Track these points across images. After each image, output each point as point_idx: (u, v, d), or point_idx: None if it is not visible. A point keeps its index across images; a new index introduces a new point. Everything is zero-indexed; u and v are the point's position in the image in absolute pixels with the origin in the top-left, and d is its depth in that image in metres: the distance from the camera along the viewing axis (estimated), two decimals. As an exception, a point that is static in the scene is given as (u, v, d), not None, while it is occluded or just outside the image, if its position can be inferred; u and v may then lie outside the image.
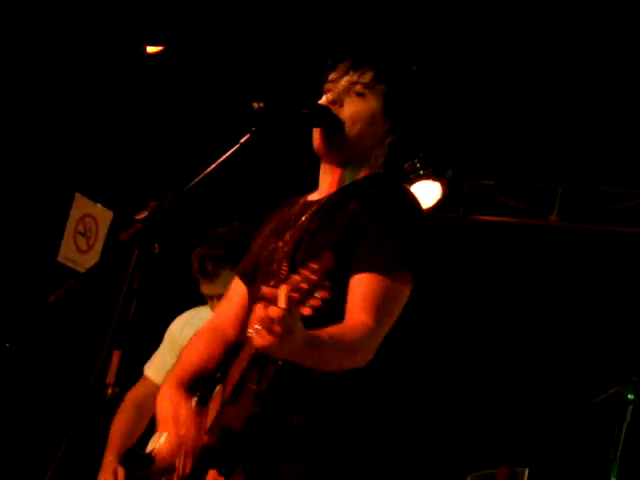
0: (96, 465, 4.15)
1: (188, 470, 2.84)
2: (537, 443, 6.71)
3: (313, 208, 2.92)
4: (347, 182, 2.94)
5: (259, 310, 2.34)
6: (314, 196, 3.00)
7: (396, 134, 2.96)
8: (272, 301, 2.32)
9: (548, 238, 7.38)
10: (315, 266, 2.29)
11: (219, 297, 4.26)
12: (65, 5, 6.30)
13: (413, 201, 2.88)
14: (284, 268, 2.75)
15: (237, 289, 3.09)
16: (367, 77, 2.93)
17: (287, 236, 2.90)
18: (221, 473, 2.72)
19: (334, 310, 2.63)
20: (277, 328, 2.32)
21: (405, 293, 2.77)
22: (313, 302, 2.32)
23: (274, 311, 2.31)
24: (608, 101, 6.57)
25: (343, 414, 2.77)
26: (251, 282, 2.98)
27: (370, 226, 2.77)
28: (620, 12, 5.98)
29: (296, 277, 2.30)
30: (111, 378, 2.50)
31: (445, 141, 6.82)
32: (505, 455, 6.02)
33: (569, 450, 6.59)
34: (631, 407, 5.27)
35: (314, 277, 2.29)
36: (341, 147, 2.91)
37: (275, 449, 2.73)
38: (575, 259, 7.20)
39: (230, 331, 3.01)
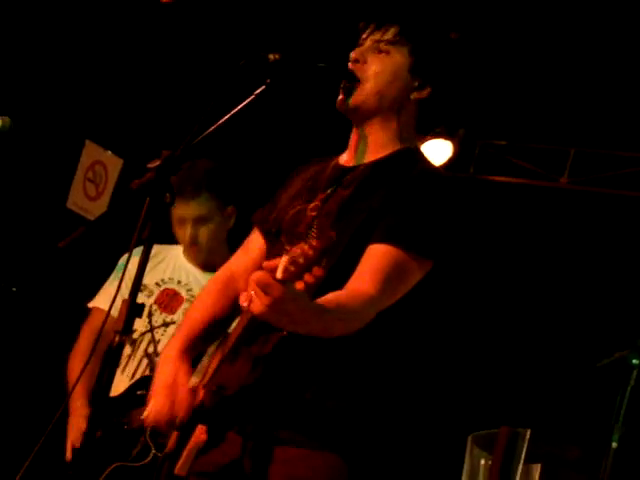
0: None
1: (185, 418, 2.84)
2: (541, 405, 6.73)
3: (348, 177, 2.88)
4: (375, 145, 2.90)
5: (256, 275, 2.35)
6: (345, 159, 2.96)
7: (424, 90, 2.92)
8: (271, 272, 2.33)
9: (558, 200, 7.36)
10: (314, 243, 2.30)
11: (193, 220, 4.27)
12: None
13: (450, 193, 2.83)
14: (313, 232, 2.75)
15: (256, 241, 3.08)
16: (390, 34, 2.91)
17: (317, 200, 2.88)
18: (209, 430, 2.72)
19: (339, 286, 2.63)
20: (268, 298, 2.33)
21: (417, 275, 2.74)
22: (307, 278, 2.33)
23: (268, 280, 2.32)
24: (622, 65, 6.52)
25: (346, 384, 2.77)
26: (274, 240, 2.95)
27: (402, 206, 2.74)
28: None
29: (295, 250, 2.31)
30: (119, 325, 2.51)
31: (458, 100, 6.78)
32: (508, 416, 6.04)
33: (573, 413, 6.61)
34: (635, 372, 5.28)
35: (311, 253, 2.30)
36: (364, 103, 2.88)
37: (273, 414, 2.73)
38: (585, 222, 7.18)
39: (241, 285, 2.99)
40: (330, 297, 2.56)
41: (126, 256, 4.26)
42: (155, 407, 2.87)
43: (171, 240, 4.46)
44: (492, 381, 7.10)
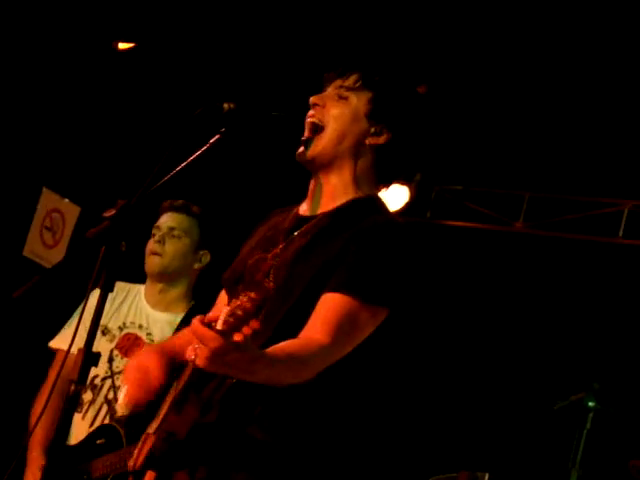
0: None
1: (139, 463, 2.83)
2: (498, 448, 6.74)
3: (305, 226, 2.90)
4: (333, 194, 2.91)
5: (194, 326, 2.38)
6: (305, 209, 2.97)
7: (381, 137, 2.93)
8: (211, 324, 2.37)
9: (514, 244, 7.42)
10: (252, 295, 2.34)
11: (169, 228, 4.30)
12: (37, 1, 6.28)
13: (406, 242, 2.83)
14: (269, 281, 2.77)
15: (223, 298, 3.08)
16: (351, 80, 2.93)
17: (277, 249, 2.88)
18: (158, 476, 2.71)
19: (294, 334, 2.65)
20: (207, 350, 2.36)
21: (371, 325, 2.73)
22: (245, 330, 2.36)
23: (205, 332, 2.35)
24: (573, 110, 6.61)
25: (296, 426, 2.76)
26: (232, 289, 2.96)
27: (358, 255, 2.74)
28: (588, 25, 6.03)
29: (235, 302, 2.35)
30: (74, 375, 2.50)
31: (418, 148, 6.83)
32: (466, 459, 6.04)
33: (530, 456, 6.62)
34: (591, 414, 5.31)
35: (248, 305, 2.34)
36: (323, 149, 2.89)
37: (221, 456, 2.73)
38: (540, 266, 7.24)
39: None
40: (281, 346, 2.57)
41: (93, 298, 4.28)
42: (130, 391, 2.87)
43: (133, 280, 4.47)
44: (450, 425, 7.11)
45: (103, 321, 4.27)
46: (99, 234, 2.56)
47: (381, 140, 2.93)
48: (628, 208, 7.07)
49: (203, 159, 2.75)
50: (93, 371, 4.15)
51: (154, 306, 4.39)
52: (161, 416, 2.82)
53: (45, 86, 6.63)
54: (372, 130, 2.92)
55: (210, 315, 2.40)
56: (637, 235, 6.97)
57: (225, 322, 2.34)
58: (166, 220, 4.35)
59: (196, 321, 2.38)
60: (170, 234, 4.34)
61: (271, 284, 2.37)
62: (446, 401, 7.19)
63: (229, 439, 2.73)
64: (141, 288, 4.45)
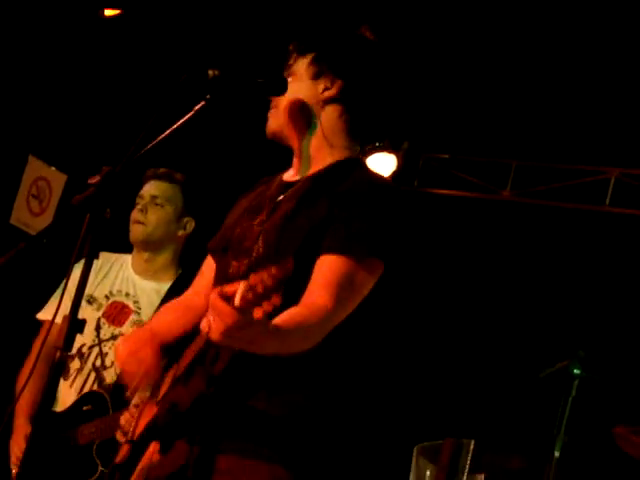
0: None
1: (139, 433, 2.86)
2: (484, 415, 6.78)
3: (289, 190, 2.92)
4: (314, 158, 2.95)
5: (212, 300, 2.37)
6: (290, 176, 3.00)
7: (333, 87, 2.94)
8: (229, 299, 2.35)
9: (501, 213, 7.43)
10: (274, 271, 2.32)
11: (151, 197, 4.31)
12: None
13: (393, 195, 2.87)
14: (259, 247, 2.78)
15: (209, 266, 3.11)
16: (304, 63, 2.97)
17: (263, 215, 2.90)
18: (162, 446, 2.74)
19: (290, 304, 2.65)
20: (223, 325, 2.36)
21: (370, 281, 2.77)
22: (266, 306, 2.35)
23: (223, 308, 2.35)
24: (562, 78, 6.61)
25: (296, 397, 2.78)
26: (221, 256, 2.98)
27: (345, 215, 2.76)
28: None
29: (254, 278, 2.32)
30: (59, 342, 2.50)
31: (402, 113, 6.84)
32: (452, 427, 6.08)
33: (515, 423, 6.66)
34: (577, 382, 5.33)
35: (269, 282, 2.31)
36: (276, 124, 2.96)
37: (222, 424, 2.75)
38: (527, 234, 7.26)
39: (202, 307, 3.00)
40: (287, 316, 2.57)
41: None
42: (124, 350, 2.90)
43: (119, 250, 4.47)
44: (436, 392, 7.14)
45: (89, 290, 4.28)
46: (84, 201, 2.56)
47: (334, 90, 2.96)
48: (615, 176, 7.08)
49: (188, 126, 2.75)
50: (80, 339, 4.21)
51: (141, 274, 4.40)
52: (164, 387, 2.84)
53: (31, 53, 6.59)
54: (321, 86, 2.95)
55: (227, 288, 2.39)
56: (624, 203, 6.99)
57: (243, 298, 2.32)
58: (149, 189, 4.35)
59: (215, 295, 2.37)
60: (153, 202, 4.34)
61: (289, 263, 2.36)
62: (432, 368, 7.22)
63: (230, 409, 2.75)
64: (127, 258, 4.45)
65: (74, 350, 4.22)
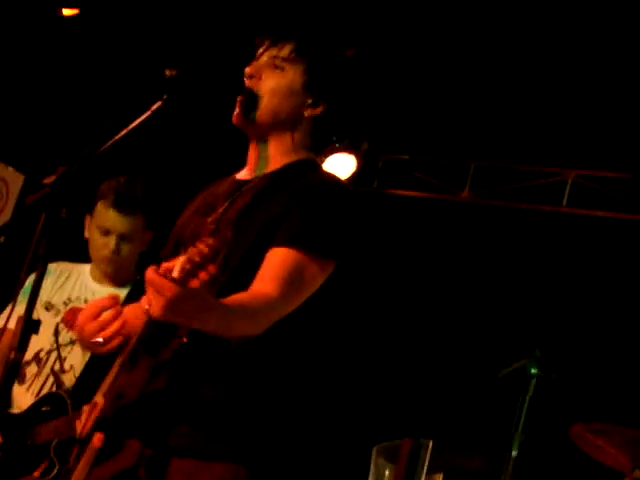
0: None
1: (87, 429, 2.82)
2: (442, 415, 6.80)
3: (245, 188, 2.91)
4: (272, 158, 2.95)
5: (149, 275, 2.35)
6: (242, 174, 3.00)
7: (317, 108, 2.96)
8: (167, 272, 2.34)
9: (460, 213, 7.47)
10: (209, 241, 2.33)
11: (120, 234, 4.27)
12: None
13: (350, 195, 2.88)
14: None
15: None
16: (286, 50, 2.95)
17: (216, 213, 2.89)
18: (107, 438, 2.70)
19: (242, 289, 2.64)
20: (163, 298, 2.33)
21: (320, 277, 2.77)
22: (202, 275, 2.34)
23: (161, 281, 2.33)
24: (519, 78, 6.65)
25: (242, 383, 2.77)
26: (173, 253, 2.93)
27: (301, 210, 2.77)
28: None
29: (192, 249, 2.33)
30: (14, 343, 2.49)
31: (361, 114, 6.86)
32: (410, 426, 6.10)
33: (474, 422, 6.69)
34: (534, 381, 5.37)
35: (206, 250, 2.32)
36: (259, 119, 2.92)
37: (171, 418, 2.73)
38: (485, 235, 7.30)
39: None
40: (232, 298, 2.56)
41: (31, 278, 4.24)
42: (85, 313, 2.80)
43: (72, 257, 4.43)
44: (395, 391, 7.16)
45: (47, 297, 4.28)
46: (39, 201, 2.55)
47: (318, 111, 2.97)
48: (572, 178, 7.14)
49: (144, 126, 2.74)
50: (38, 345, 4.18)
51: (99, 282, 4.38)
52: (110, 378, 2.81)
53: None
54: (309, 102, 2.96)
55: (165, 265, 2.38)
56: (580, 204, 7.04)
57: (182, 270, 2.32)
58: (114, 225, 4.26)
59: (151, 270, 2.35)
60: (122, 241, 4.30)
61: (227, 232, 2.36)
62: (390, 368, 7.24)
63: (175, 402, 2.73)
64: (86, 267, 4.43)
65: (31, 356, 4.20)
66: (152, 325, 2.54)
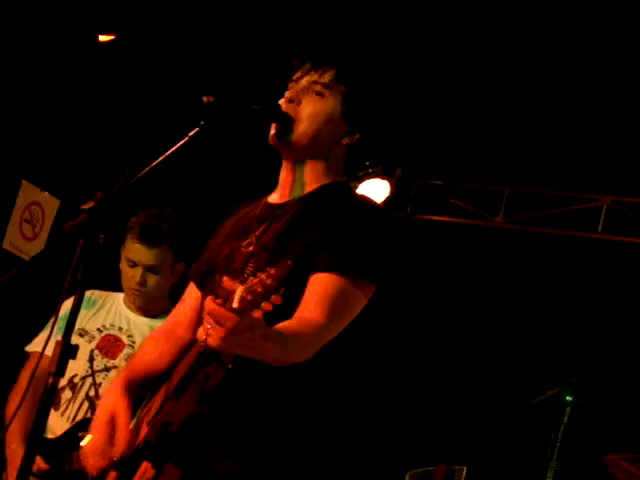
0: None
1: (126, 458, 2.84)
2: (477, 442, 6.77)
3: (280, 212, 2.91)
4: (307, 182, 2.94)
5: (209, 306, 2.35)
6: (275, 198, 2.99)
7: (355, 135, 2.96)
8: (227, 299, 2.34)
9: (494, 239, 7.45)
10: (272, 271, 2.31)
11: (146, 267, 4.29)
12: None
13: (389, 219, 2.89)
14: (250, 267, 2.76)
15: (191, 292, 3.10)
16: (327, 77, 2.93)
17: (251, 237, 2.89)
18: (154, 466, 2.71)
19: (289, 314, 2.64)
20: (223, 329, 2.33)
21: (362, 301, 2.77)
22: (265, 306, 2.33)
23: (221, 311, 2.33)
24: (553, 105, 6.64)
25: (287, 415, 2.77)
26: (206, 280, 2.97)
27: (342, 234, 2.77)
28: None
29: (253, 280, 2.32)
30: (52, 367, 2.50)
31: (395, 140, 6.86)
32: (445, 453, 6.07)
33: (508, 449, 6.65)
34: (569, 409, 5.34)
35: (269, 282, 2.31)
36: (296, 144, 2.91)
37: (214, 447, 2.73)
38: (519, 261, 7.27)
39: (183, 333, 3.03)
40: (283, 326, 2.56)
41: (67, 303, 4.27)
42: (92, 442, 2.87)
43: (109, 283, 4.45)
44: (430, 418, 7.13)
45: (81, 324, 4.30)
46: (77, 227, 2.55)
47: (354, 139, 2.97)
48: (607, 204, 7.11)
49: (182, 152, 2.75)
50: (72, 371, 4.20)
51: (134, 310, 4.40)
52: (155, 406, 2.82)
53: (25, 78, 6.61)
54: (344, 128, 2.95)
55: (221, 295, 2.39)
56: (615, 230, 7.01)
57: (241, 300, 2.31)
58: (140, 257, 4.28)
59: (209, 300, 2.35)
60: (149, 271, 4.32)
61: (287, 261, 2.35)
62: (425, 395, 7.22)
63: (222, 428, 2.74)
64: (119, 295, 4.46)
65: (65, 381, 4.22)
66: (203, 355, 2.55)
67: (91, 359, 4.28)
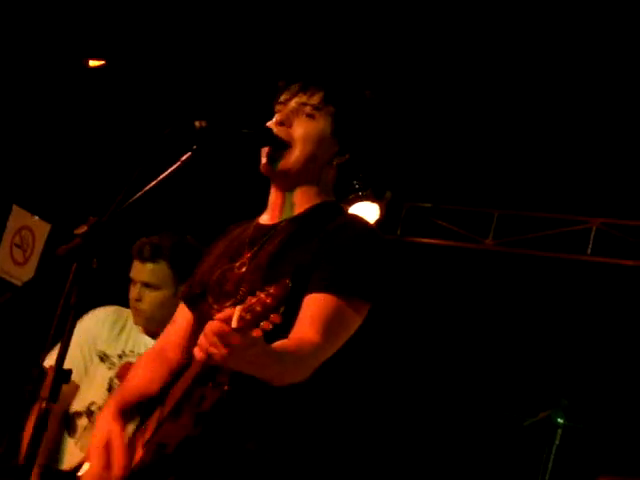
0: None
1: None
2: (468, 464, 6.76)
3: (272, 233, 2.91)
4: (297, 204, 2.95)
5: (212, 325, 2.37)
6: (266, 219, 2.99)
7: (344, 156, 2.97)
8: (226, 322, 2.35)
9: (483, 262, 7.46)
10: (272, 290, 2.33)
11: (142, 283, 4.28)
12: (6, 17, 6.27)
13: (380, 239, 2.91)
14: (243, 289, 2.77)
15: (182, 314, 3.10)
16: (316, 98, 2.94)
17: (244, 258, 2.90)
18: None
19: (285, 333, 2.65)
20: (228, 348, 2.36)
21: (357, 321, 2.78)
22: (265, 325, 2.35)
23: (225, 330, 2.35)
24: (543, 128, 6.67)
25: (283, 437, 2.77)
26: (198, 302, 2.97)
27: (335, 254, 2.78)
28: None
29: (251, 299, 2.34)
30: (45, 393, 2.49)
31: (384, 163, 6.88)
32: (437, 476, 6.07)
33: (499, 472, 6.64)
34: (560, 431, 5.34)
35: (268, 301, 2.32)
36: (290, 170, 2.91)
37: (210, 468, 2.73)
38: (509, 283, 7.28)
39: (174, 355, 3.04)
40: (280, 345, 2.58)
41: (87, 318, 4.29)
42: (90, 469, 2.87)
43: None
44: (422, 441, 7.12)
45: (102, 347, 4.26)
46: (70, 251, 2.55)
47: (343, 160, 2.98)
48: (596, 226, 7.13)
49: (175, 177, 2.76)
50: (90, 396, 4.17)
51: (150, 335, 4.38)
52: (151, 428, 2.82)
53: (15, 103, 6.61)
54: (335, 148, 2.96)
55: (219, 315, 2.40)
56: (605, 252, 7.03)
57: (241, 319, 2.33)
58: (138, 274, 4.28)
59: (214, 322, 2.38)
60: (146, 288, 4.30)
61: (286, 280, 2.36)
62: (417, 417, 7.21)
63: (218, 450, 2.74)
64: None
65: (83, 407, 4.19)
66: (197, 377, 2.56)
67: (110, 388, 4.25)
